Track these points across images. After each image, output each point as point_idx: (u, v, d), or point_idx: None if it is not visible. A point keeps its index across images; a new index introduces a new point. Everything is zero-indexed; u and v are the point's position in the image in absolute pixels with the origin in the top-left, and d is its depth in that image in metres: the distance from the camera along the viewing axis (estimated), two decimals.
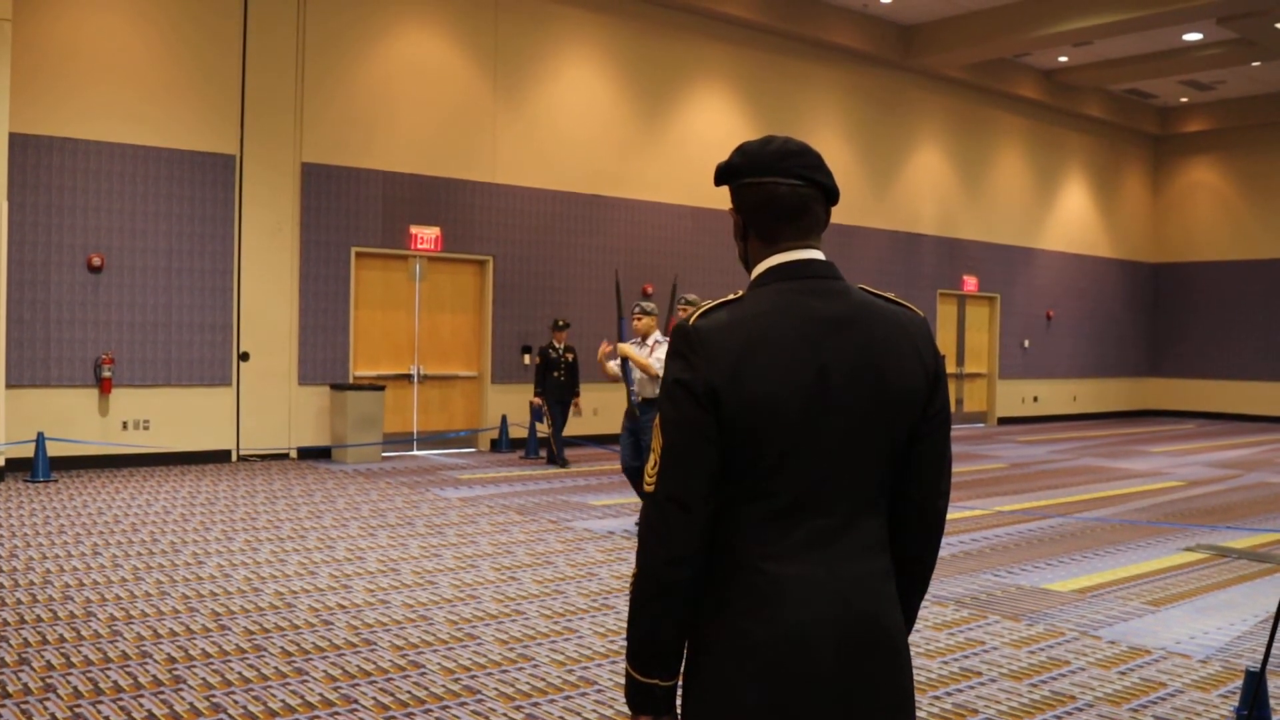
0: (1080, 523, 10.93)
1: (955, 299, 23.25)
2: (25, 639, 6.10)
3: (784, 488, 2.06)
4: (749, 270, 2.24)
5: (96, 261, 13.06)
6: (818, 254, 2.18)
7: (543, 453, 15.41)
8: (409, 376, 15.80)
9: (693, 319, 2.09)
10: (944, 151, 22.70)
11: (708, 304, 2.13)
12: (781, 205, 2.17)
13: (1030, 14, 18.85)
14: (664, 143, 18.13)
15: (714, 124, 18.70)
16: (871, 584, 2.11)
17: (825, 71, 20.27)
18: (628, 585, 1.98)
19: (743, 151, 2.22)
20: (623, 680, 5.64)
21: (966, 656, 6.21)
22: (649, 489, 2.08)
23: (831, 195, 2.20)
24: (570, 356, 14.67)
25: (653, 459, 2.08)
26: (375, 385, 14.58)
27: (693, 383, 2.03)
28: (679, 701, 2.17)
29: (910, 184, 21.84)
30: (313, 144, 14.65)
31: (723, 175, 2.25)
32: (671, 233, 18.14)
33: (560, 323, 14.83)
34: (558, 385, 14.56)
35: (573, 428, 16.31)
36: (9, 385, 12.32)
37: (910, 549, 2.24)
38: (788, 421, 2.04)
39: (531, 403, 15.11)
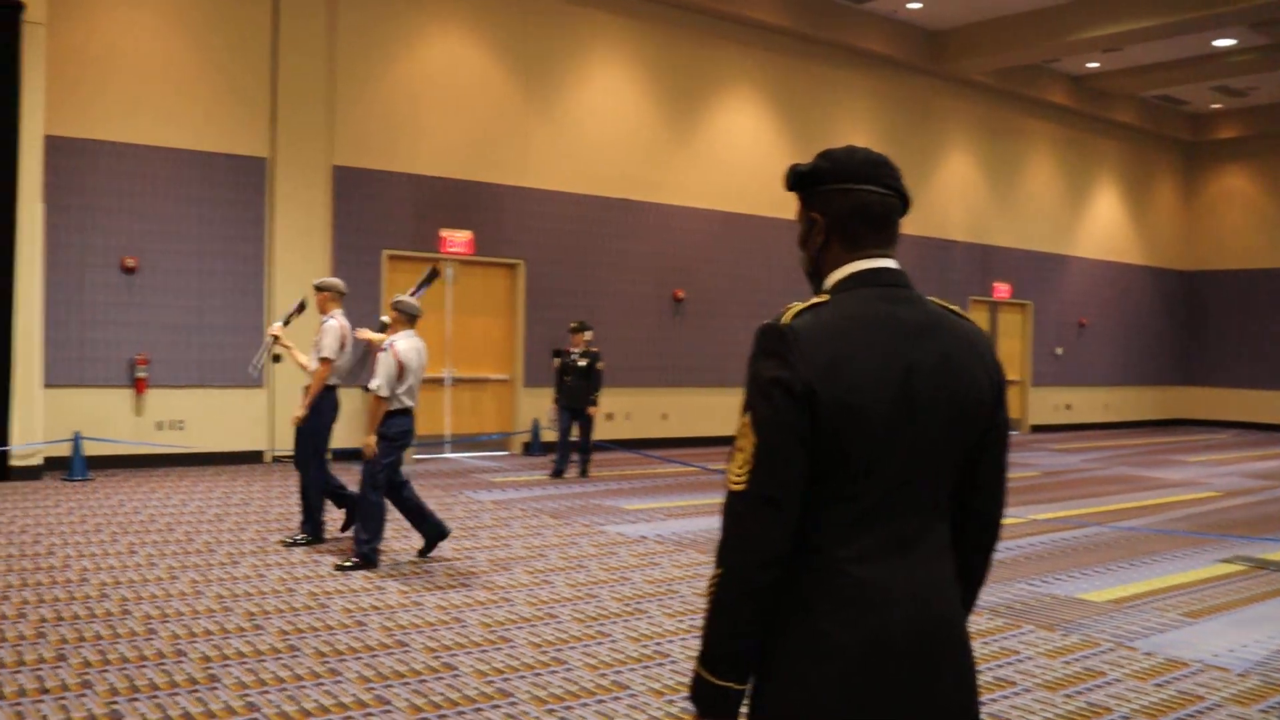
0: (1115, 532, 10.83)
1: (987, 306, 23.12)
2: (63, 636, 6.12)
3: (867, 490, 2.07)
4: (818, 275, 2.27)
5: (130, 263, 13.12)
6: (895, 263, 2.22)
7: (574, 457, 15.25)
8: (441, 380, 15.81)
9: (785, 319, 2.08)
10: (974, 157, 22.59)
11: (796, 305, 2.13)
12: (871, 213, 2.21)
13: (1060, 20, 18.74)
14: (694, 147, 18.11)
15: (743, 129, 18.68)
16: (945, 589, 2.14)
17: (854, 77, 20.20)
18: (707, 587, 1.94)
19: (828, 157, 2.24)
20: (657, 685, 5.62)
21: (1001, 666, 6.14)
22: (738, 487, 2.05)
23: (908, 207, 2.25)
24: (586, 361, 13.70)
25: (741, 456, 2.06)
26: None
27: (790, 381, 2.02)
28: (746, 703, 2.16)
29: (940, 190, 21.74)
30: (344, 147, 14.68)
31: (804, 179, 2.26)
32: (701, 237, 18.10)
33: (576, 325, 14.00)
34: (570, 390, 13.67)
35: (604, 432, 16.30)
36: (47, 385, 12.40)
37: (966, 558, 2.27)
38: (877, 425, 2.05)
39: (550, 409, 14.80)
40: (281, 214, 14.18)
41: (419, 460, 14.95)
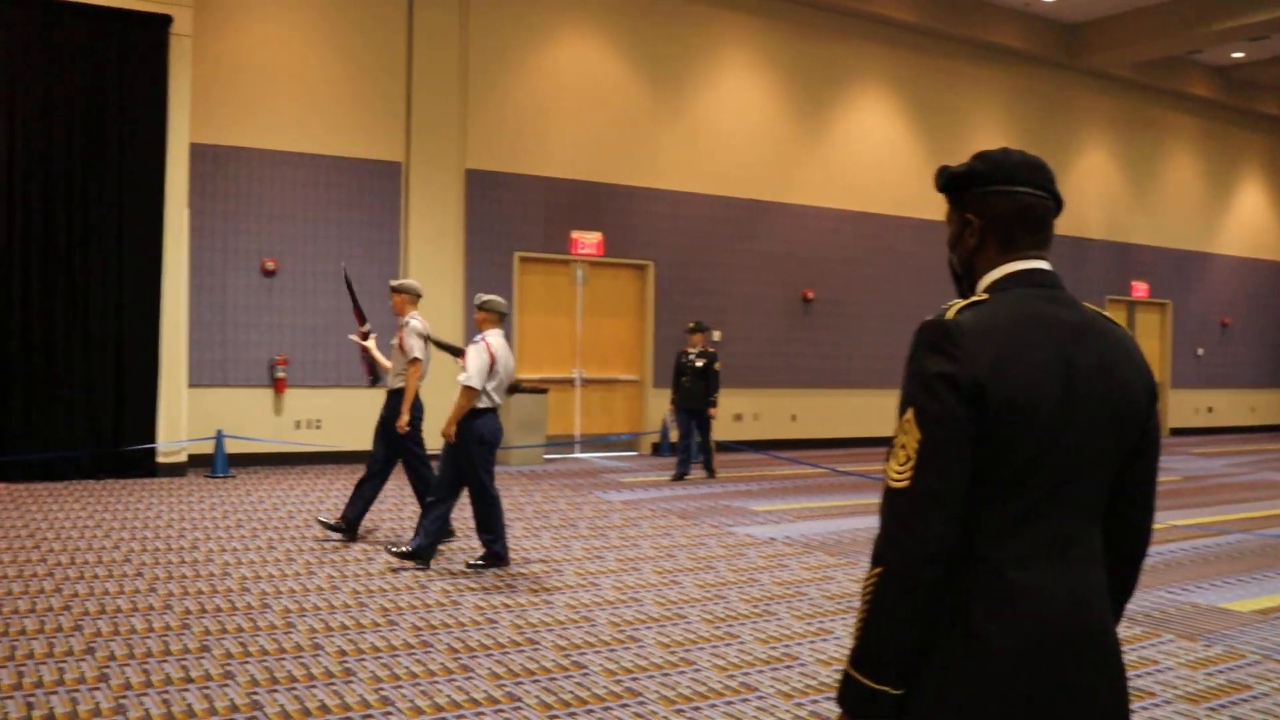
0: (1261, 540, 10.45)
1: (1124, 305, 22.54)
2: (206, 628, 6.30)
3: (1028, 491, 2.04)
4: (970, 276, 2.26)
5: (270, 266, 13.48)
6: (1049, 265, 2.21)
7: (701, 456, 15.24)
8: (571, 380, 15.94)
9: (949, 314, 2.07)
10: (1111, 153, 22.02)
11: (957, 302, 2.12)
12: (1030, 215, 2.21)
13: (1201, 9, 18.18)
14: (823, 146, 17.97)
15: (873, 127, 18.49)
16: (1101, 595, 2.11)
17: (986, 73, 19.85)
18: (864, 586, 1.91)
19: (984, 159, 2.24)
20: (785, 687, 5.59)
21: (1140, 676, 5.97)
22: (901, 484, 2.02)
23: (1060, 210, 2.26)
24: (703, 362, 13.47)
25: (904, 453, 2.03)
26: (538, 388, 14.74)
27: (957, 376, 2.00)
28: None
29: (1076, 187, 21.22)
30: (476, 151, 14.89)
31: (958, 180, 2.26)
32: (830, 237, 17.96)
33: (694, 325, 13.78)
34: (686, 392, 13.50)
35: (732, 432, 16.28)
36: (190, 385, 12.80)
37: (1115, 567, 2.23)
38: (1040, 424, 2.02)
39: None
40: (415, 217, 14.43)
41: (550, 460, 15.09)
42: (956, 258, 2.30)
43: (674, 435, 14.61)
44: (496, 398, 8.21)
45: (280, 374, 13.45)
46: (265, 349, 13.51)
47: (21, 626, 6.21)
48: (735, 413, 16.81)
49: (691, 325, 13.78)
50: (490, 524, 8.17)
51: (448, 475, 8.16)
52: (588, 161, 15.77)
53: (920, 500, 1.99)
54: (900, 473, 2.02)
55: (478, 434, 8.07)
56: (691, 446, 13.65)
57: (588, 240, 15.74)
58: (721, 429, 16.35)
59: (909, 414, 2.04)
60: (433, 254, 14.51)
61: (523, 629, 6.53)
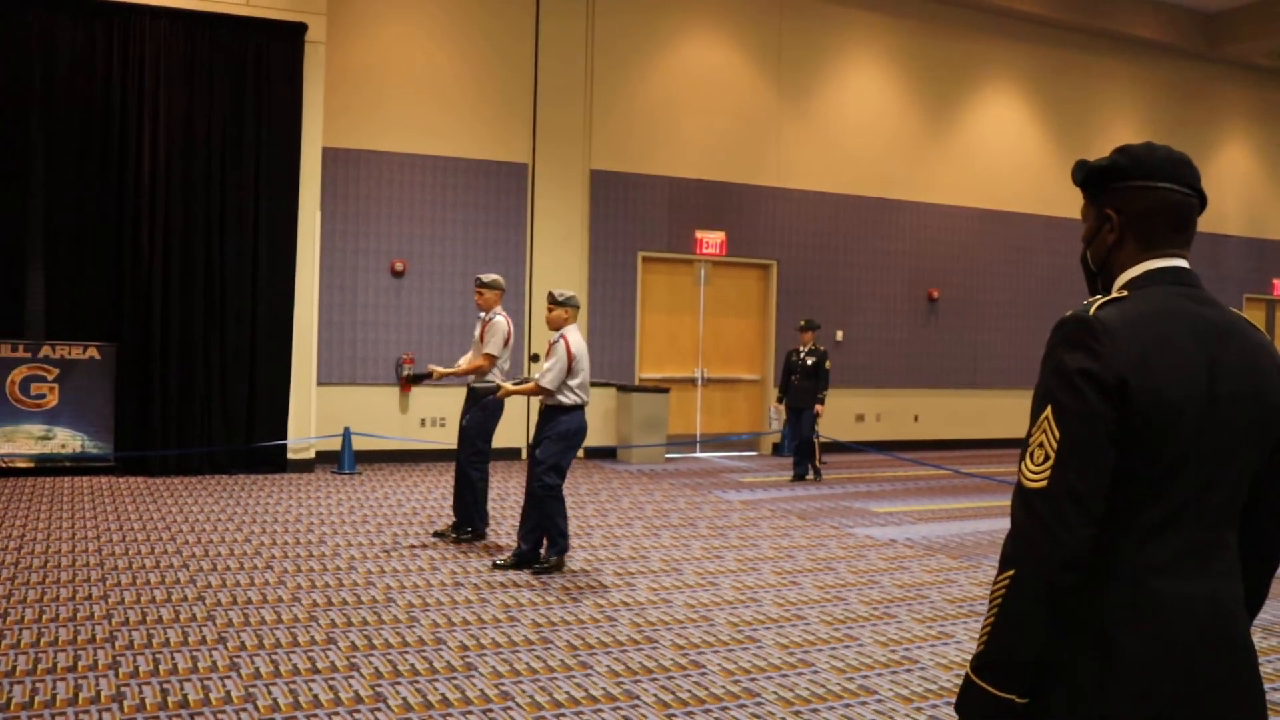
0: None
1: (1264, 304, 21.80)
2: (332, 620, 6.45)
3: (1170, 495, 2.00)
4: (1106, 272, 2.23)
5: (399, 266, 13.73)
6: (1187, 264, 2.16)
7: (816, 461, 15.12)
8: (693, 380, 15.96)
9: (1091, 311, 2.03)
10: (1252, 146, 21.31)
11: (1098, 299, 2.09)
12: (1174, 212, 2.16)
13: None
14: (950, 143, 17.71)
15: (1002, 123, 18.16)
16: (1240, 605, 2.06)
17: (1121, 65, 19.36)
18: (994, 590, 1.87)
19: (1127, 153, 2.19)
20: (905, 691, 5.53)
21: (1275, 689, 5.79)
22: (1038, 485, 1.98)
23: (1204, 207, 2.21)
24: (813, 360, 13.38)
25: (1041, 453, 1.99)
26: (660, 388, 14.79)
27: (1100, 373, 1.97)
28: None
29: (1214, 182, 20.54)
30: (601, 151, 14.99)
31: (1099, 175, 2.22)
32: (958, 235, 17.69)
33: (804, 323, 13.72)
34: (796, 391, 13.45)
35: (854, 432, 16.15)
36: (320, 383, 13.11)
37: (1248, 573, 2.17)
38: (1185, 425, 1.98)
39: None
40: (541, 218, 14.58)
41: (670, 459, 15.12)
42: (1092, 254, 2.25)
43: (776, 429, 14.46)
44: (583, 395, 8.07)
45: (406, 372, 13.68)
46: (392, 348, 13.77)
47: (158, 615, 6.43)
48: (857, 413, 16.67)
49: (802, 323, 13.71)
50: (558, 520, 8.01)
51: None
52: (712, 161, 15.77)
53: (1058, 501, 1.94)
54: (1037, 472, 1.98)
55: (562, 429, 7.97)
56: (804, 445, 13.49)
57: (711, 240, 15.74)
58: (842, 429, 16.24)
59: (1047, 411, 2.00)
60: (558, 255, 14.64)
61: (641, 627, 6.57)
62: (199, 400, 12.15)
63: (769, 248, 16.20)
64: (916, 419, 17.35)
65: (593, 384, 14.85)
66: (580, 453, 14.59)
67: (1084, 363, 1.97)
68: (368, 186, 13.67)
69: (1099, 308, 2.03)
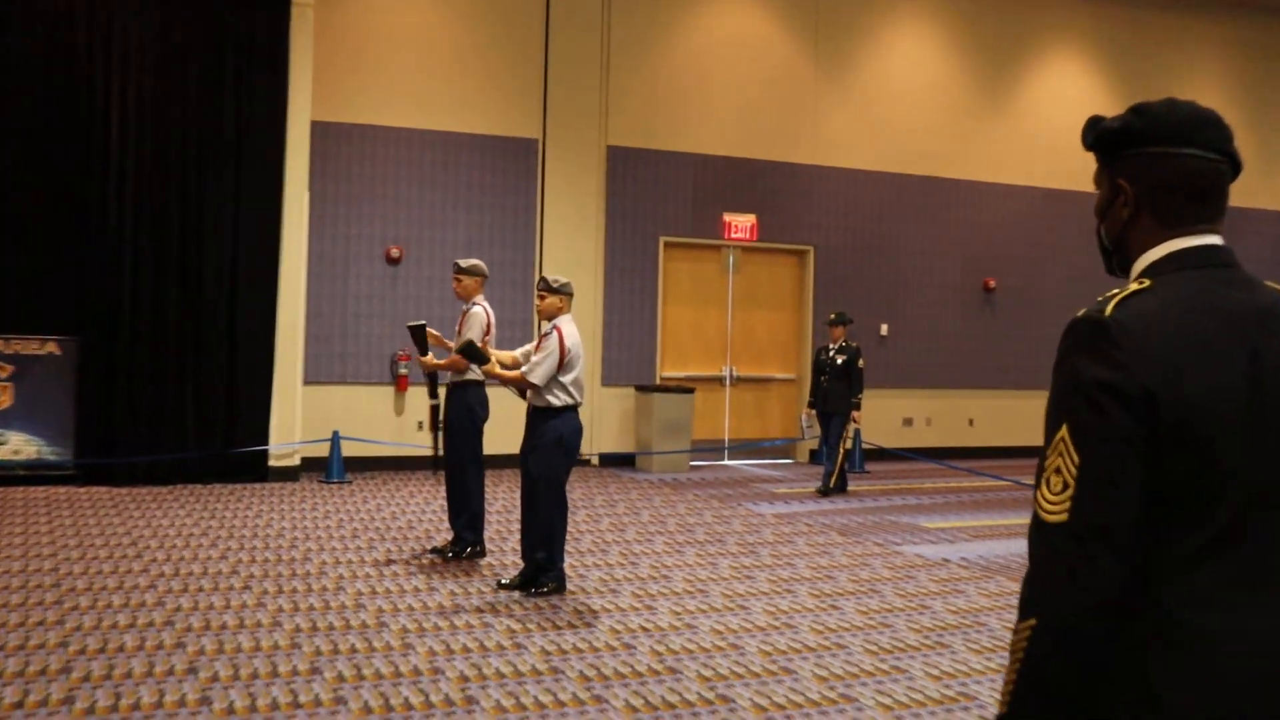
0: None
1: None
2: (317, 647, 6.38)
3: (1213, 518, 1.87)
4: (1122, 252, 2.12)
5: (395, 253, 13.67)
6: (1220, 240, 2.03)
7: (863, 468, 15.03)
8: (720, 379, 15.87)
9: (1108, 310, 1.91)
10: None
11: (1115, 293, 1.96)
12: (1198, 184, 2.03)
13: None
14: (1008, 116, 17.58)
15: (1066, 92, 17.99)
16: None
17: (1201, 25, 19.17)
18: (1015, 642, 1.78)
19: (1141, 113, 2.07)
20: None
21: None
22: (1056, 518, 1.87)
23: (1238, 173, 2.08)
24: (843, 359, 12.99)
25: (1059, 480, 1.88)
26: (684, 388, 14.71)
27: (1123, 384, 1.85)
28: None
29: None
30: (619, 125, 14.91)
31: (1110, 138, 2.10)
32: (1018, 218, 17.56)
33: (834, 317, 13.32)
34: (826, 393, 13.05)
35: (902, 439, 16.04)
36: (306, 382, 13.05)
37: None
38: (1226, 436, 1.86)
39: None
40: (552, 199, 14.50)
41: (695, 467, 15.04)
42: (1106, 230, 2.15)
43: (809, 437, 14.30)
44: (576, 394, 7.97)
45: (403, 370, 13.63)
46: (388, 343, 13.71)
47: (120, 643, 6.36)
48: (905, 416, 16.57)
49: (832, 317, 13.40)
50: (557, 535, 7.97)
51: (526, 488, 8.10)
52: (742, 136, 15.67)
53: (1082, 537, 1.84)
54: (1056, 503, 1.87)
55: (554, 435, 7.88)
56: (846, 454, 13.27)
57: (741, 223, 15.64)
58: (888, 434, 16.14)
59: (1063, 431, 1.89)
60: (571, 239, 14.57)
61: (663, 656, 6.48)
62: (170, 401, 12.12)
63: (805, 232, 16.10)
64: (971, 423, 17.24)
65: (608, 384, 14.86)
66: (594, 459, 14.58)
67: (1102, 373, 1.86)
68: (361, 164, 13.61)
69: (1117, 305, 1.92)
